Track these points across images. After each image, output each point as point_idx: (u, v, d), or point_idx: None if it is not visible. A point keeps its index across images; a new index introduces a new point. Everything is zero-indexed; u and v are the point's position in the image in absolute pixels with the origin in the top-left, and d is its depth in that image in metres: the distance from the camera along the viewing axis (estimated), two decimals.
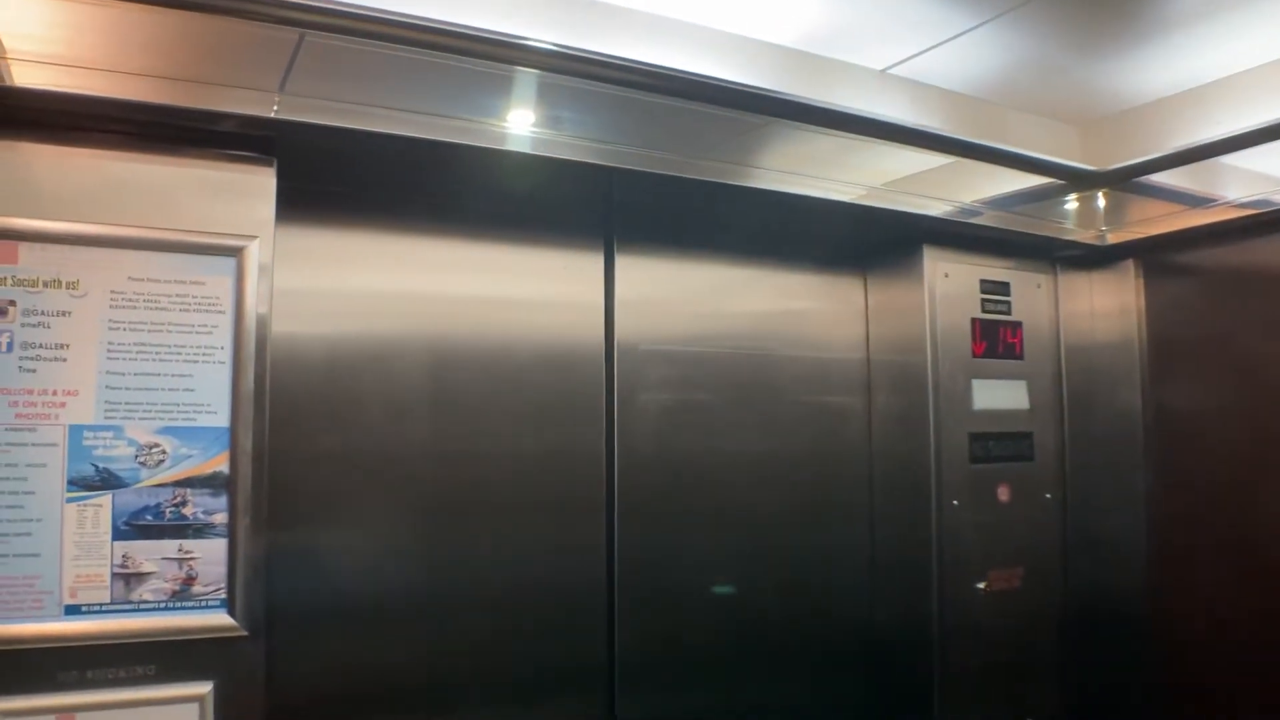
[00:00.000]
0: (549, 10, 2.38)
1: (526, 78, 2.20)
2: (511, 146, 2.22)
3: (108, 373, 1.82)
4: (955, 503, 2.95)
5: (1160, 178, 2.97)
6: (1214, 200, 2.94)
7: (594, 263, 2.75)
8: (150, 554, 1.84)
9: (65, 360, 1.79)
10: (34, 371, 1.77)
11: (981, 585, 2.97)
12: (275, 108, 1.92)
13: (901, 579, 3.03)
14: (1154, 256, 3.21)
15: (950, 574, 2.93)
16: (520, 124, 2.25)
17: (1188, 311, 3.14)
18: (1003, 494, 3.06)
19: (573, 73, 2.17)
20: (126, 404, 1.83)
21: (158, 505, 1.84)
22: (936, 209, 2.86)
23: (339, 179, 2.37)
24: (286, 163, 2.03)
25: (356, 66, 2.06)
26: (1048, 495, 3.19)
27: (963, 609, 2.94)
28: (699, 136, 2.49)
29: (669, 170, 2.39)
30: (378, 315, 2.46)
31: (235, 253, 1.94)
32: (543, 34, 2.10)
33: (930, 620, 2.91)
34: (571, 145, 2.28)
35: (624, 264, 2.78)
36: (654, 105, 2.35)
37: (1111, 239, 3.21)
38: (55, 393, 1.78)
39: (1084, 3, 2.51)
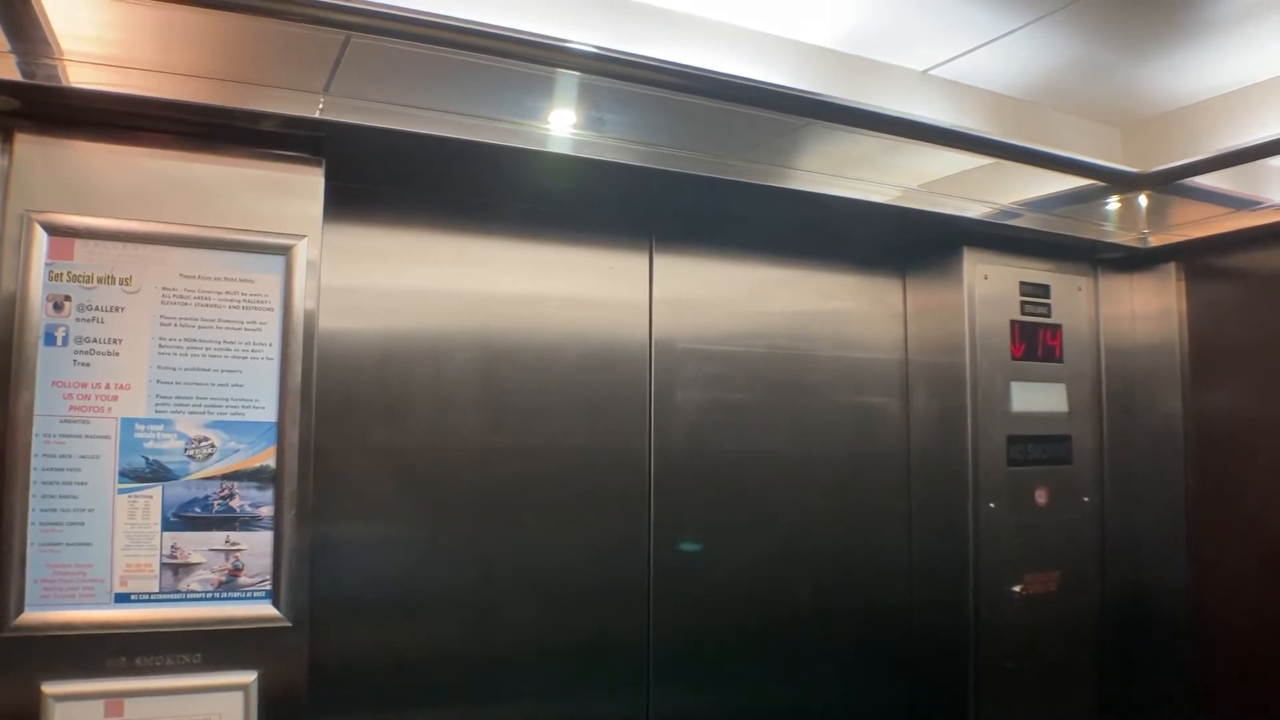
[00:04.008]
0: (590, 13, 2.41)
1: (568, 80, 2.21)
2: (553, 148, 2.23)
3: (159, 367, 1.86)
4: (992, 505, 2.94)
5: (1203, 180, 2.93)
6: (1258, 203, 2.90)
7: (636, 262, 2.77)
8: (198, 545, 1.88)
9: (118, 355, 1.84)
10: (88, 365, 1.81)
11: (1018, 588, 2.96)
12: (320, 108, 1.95)
13: (938, 581, 3.02)
14: (1196, 260, 3.18)
15: (987, 576, 2.92)
16: (562, 125, 2.26)
17: (1230, 315, 3.11)
18: (1040, 497, 3.05)
19: (613, 75, 2.18)
20: (177, 398, 1.87)
21: (206, 498, 1.88)
22: (976, 210, 2.84)
23: (387, 178, 2.40)
24: (335, 162, 2.06)
25: (402, 68, 2.09)
26: (1086, 499, 3.17)
27: (999, 611, 2.93)
28: (739, 137, 2.49)
29: (708, 171, 2.39)
30: (424, 313, 2.49)
31: (284, 251, 1.97)
32: (584, 36, 2.11)
33: (966, 622, 2.90)
34: (612, 146, 2.29)
35: (662, 263, 2.79)
36: (694, 106, 2.36)
37: (1153, 242, 3.18)
38: (108, 386, 1.83)
39: (1128, 4, 2.50)
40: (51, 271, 1.80)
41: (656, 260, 2.78)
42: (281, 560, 1.93)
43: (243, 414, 1.92)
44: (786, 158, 2.58)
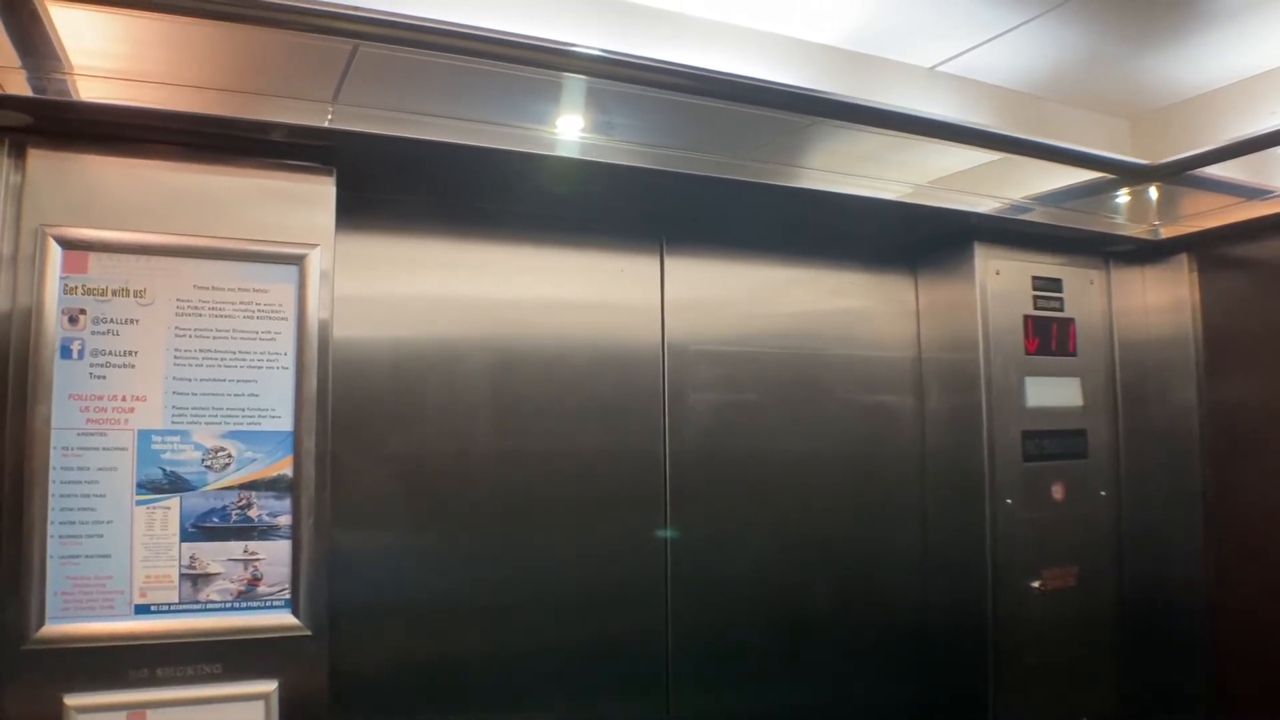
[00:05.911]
0: (596, 16, 2.41)
1: (575, 84, 2.22)
2: (562, 152, 2.23)
3: (174, 379, 1.87)
4: (1009, 501, 2.93)
5: (1213, 170, 2.92)
6: (1269, 192, 2.89)
7: (648, 265, 2.77)
8: (217, 555, 1.88)
9: (134, 367, 1.84)
10: (104, 378, 1.82)
11: (1036, 584, 2.94)
12: (329, 117, 1.96)
13: (955, 578, 3.01)
14: (1208, 250, 3.16)
15: (1005, 573, 2.91)
16: (571, 129, 2.27)
17: (1243, 305, 3.09)
18: (1057, 492, 3.03)
19: (620, 78, 2.18)
20: (193, 409, 1.88)
21: (224, 508, 1.89)
22: (987, 206, 2.84)
23: (398, 187, 2.40)
24: (346, 171, 2.06)
25: (410, 76, 2.10)
26: (1103, 493, 3.16)
27: (1017, 608, 2.92)
28: (747, 138, 2.49)
29: (717, 172, 2.39)
30: (437, 320, 2.49)
31: (297, 260, 1.98)
32: (590, 40, 2.11)
33: (985, 619, 2.89)
34: (621, 149, 2.29)
35: (673, 265, 2.79)
36: (701, 108, 2.35)
37: (1165, 233, 3.17)
38: (124, 398, 1.83)
39: None
40: (66, 285, 1.81)
41: (668, 262, 2.79)
42: (300, 569, 1.94)
43: (259, 423, 1.92)
44: (795, 157, 2.58)
